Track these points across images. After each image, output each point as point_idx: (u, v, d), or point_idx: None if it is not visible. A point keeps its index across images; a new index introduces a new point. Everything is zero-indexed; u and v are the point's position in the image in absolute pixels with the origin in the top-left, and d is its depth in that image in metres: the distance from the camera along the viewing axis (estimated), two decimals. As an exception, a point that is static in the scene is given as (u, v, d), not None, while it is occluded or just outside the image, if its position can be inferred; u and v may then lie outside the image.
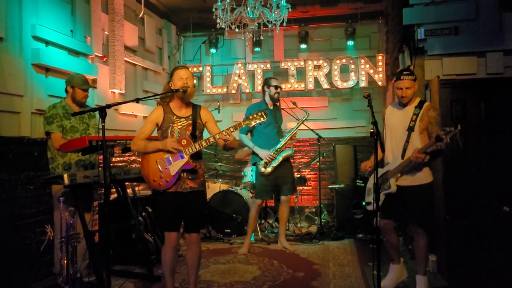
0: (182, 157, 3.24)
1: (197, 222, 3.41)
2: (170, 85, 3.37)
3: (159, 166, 3.27)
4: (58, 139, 3.84)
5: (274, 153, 5.03)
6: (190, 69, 3.44)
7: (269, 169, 5.04)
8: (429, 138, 3.39)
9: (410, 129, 3.41)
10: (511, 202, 3.92)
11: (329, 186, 7.05)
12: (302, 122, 5.24)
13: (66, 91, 4.03)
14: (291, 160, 5.38)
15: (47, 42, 4.45)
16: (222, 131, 3.19)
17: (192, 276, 3.44)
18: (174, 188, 3.29)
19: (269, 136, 5.11)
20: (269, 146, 5.07)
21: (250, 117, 3.25)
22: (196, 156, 3.34)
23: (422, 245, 3.46)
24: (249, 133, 5.23)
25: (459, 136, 3.04)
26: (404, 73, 3.44)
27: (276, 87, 5.15)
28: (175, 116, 3.34)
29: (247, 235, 5.22)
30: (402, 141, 3.43)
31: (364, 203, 3.69)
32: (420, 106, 3.45)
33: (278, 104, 5.35)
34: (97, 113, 2.97)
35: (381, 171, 3.47)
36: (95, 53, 5.29)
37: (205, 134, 3.35)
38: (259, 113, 3.25)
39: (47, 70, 4.47)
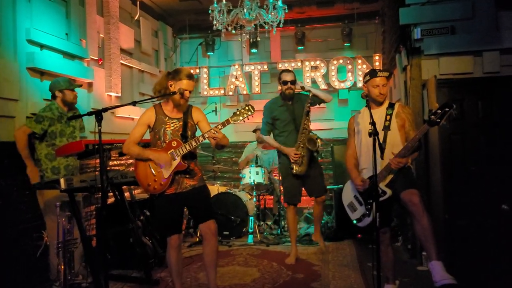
0: (174, 159, 3.22)
1: (208, 211, 3.37)
2: (169, 84, 3.30)
3: (152, 170, 3.25)
4: (23, 135, 3.80)
5: (299, 149, 4.60)
6: (194, 80, 3.40)
7: (302, 167, 4.61)
8: (406, 138, 3.30)
9: (386, 128, 3.30)
10: (509, 200, 3.91)
11: (328, 187, 7.03)
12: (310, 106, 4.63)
13: (55, 96, 4.02)
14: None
15: (41, 46, 4.43)
16: (211, 129, 3.17)
17: (212, 273, 3.38)
18: (173, 189, 3.27)
19: (288, 134, 4.72)
20: (290, 144, 4.68)
21: (238, 113, 3.19)
22: (190, 156, 3.32)
23: (425, 224, 3.07)
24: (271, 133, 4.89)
25: (453, 112, 2.92)
26: (379, 70, 3.39)
27: (285, 82, 4.64)
28: (167, 118, 3.32)
29: (292, 244, 4.82)
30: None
31: (354, 222, 3.44)
32: (391, 106, 3.38)
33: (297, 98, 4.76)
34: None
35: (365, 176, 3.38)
36: (91, 56, 5.27)
37: (198, 134, 3.33)
38: (246, 108, 3.18)
39: (42, 74, 4.44)
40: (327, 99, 4.72)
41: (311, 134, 4.63)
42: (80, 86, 4.21)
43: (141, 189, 5.77)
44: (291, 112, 4.72)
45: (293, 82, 4.66)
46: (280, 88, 4.79)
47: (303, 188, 4.86)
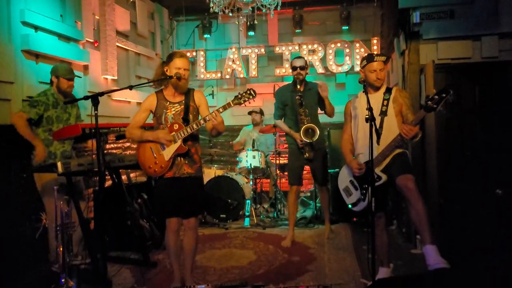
0: (175, 142, 3.23)
1: (194, 207, 3.41)
2: (165, 69, 3.32)
3: (153, 152, 3.28)
4: (21, 122, 3.76)
5: (303, 136, 4.62)
6: (188, 58, 3.39)
7: (310, 152, 4.68)
8: (404, 122, 3.29)
9: (383, 114, 3.29)
10: (504, 186, 3.95)
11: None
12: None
13: (51, 81, 4.00)
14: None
15: (36, 28, 4.38)
16: (212, 112, 3.17)
17: (188, 261, 3.46)
18: (172, 173, 3.30)
19: (295, 121, 4.76)
20: (295, 130, 4.73)
21: (239, 96, 3.22)
22: (191, 140, 3.33)
23: (420, 209, 3.08)
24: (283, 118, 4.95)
25: (450, 97, 2.95)
26: (376, 54, 3.36)
27: (295, 67, 4.66)
28: (168, 102, 3.33)
29: (290, 226, 4.87)
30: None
31: (350, 206, 3.49)
32: (388, 91, 3.37)
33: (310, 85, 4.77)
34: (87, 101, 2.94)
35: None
36: (86, 38, 5.21)
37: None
38: (248, 91, 3.21)
39: (37, 56, 4.40)
40: (330, 113, 4.78)
41: (309, 124, 4.65)
42: (79, 77, 4.18)
43: (138, 172, 5.83)
44: (299, 99, 4.72)
45: (303, 68, 4.68)
46: (291, 72, 4.82)
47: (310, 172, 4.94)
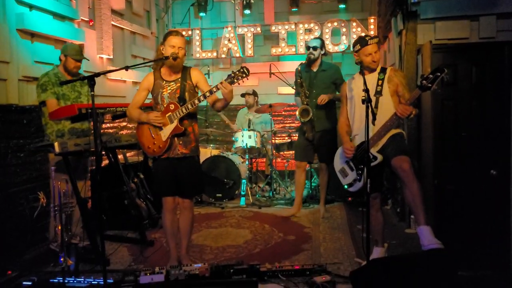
0: (172, 122, 3.25)
1: (190, 188, 3.45)
2: (161, 49, 3.32)
3: (151, 133, 3.32)
4: (54, 105, 3.78)
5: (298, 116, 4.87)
6: (183, 36, 3.37)
7: (309, 133, 4.87)
8: (399, 100, 3.32)
9: (378, 94, 3.31)
10: (498, 166, 3.99)
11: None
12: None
13: (60, 59, 3.97)
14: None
15: (31, 6, 4.31)
16: (206, 92, 3.22)
17: (184, 240, 3.53)
18: (167, 154, 3.33)
19: (304, 99, 4.95)
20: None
21: (232, 75, 3.21)
22: (188, 119, 3.34)
23: (415, 190, 3.12)
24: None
25: (444, 76, 2.98)
26: (368, 38, 3.35)
27: (308, 47, 4.87)
28: (164, 81, 3.34)
29: (296, 198, 5.09)
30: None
31: (345, 187, 3.53)
32: (383, 71, 3.38)
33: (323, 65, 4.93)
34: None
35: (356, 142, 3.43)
36: (81, 17, 5.14)
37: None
38: (241, 70, 3.19)
39: (33, 35, 4.34)
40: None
41: (304, 106, 4.84)
42: (88, 60, 4.14)
43: (134, 152, 5.84)
44: (311, 78, 4.89)
45: (315, 48, 4.84)
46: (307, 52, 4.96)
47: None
